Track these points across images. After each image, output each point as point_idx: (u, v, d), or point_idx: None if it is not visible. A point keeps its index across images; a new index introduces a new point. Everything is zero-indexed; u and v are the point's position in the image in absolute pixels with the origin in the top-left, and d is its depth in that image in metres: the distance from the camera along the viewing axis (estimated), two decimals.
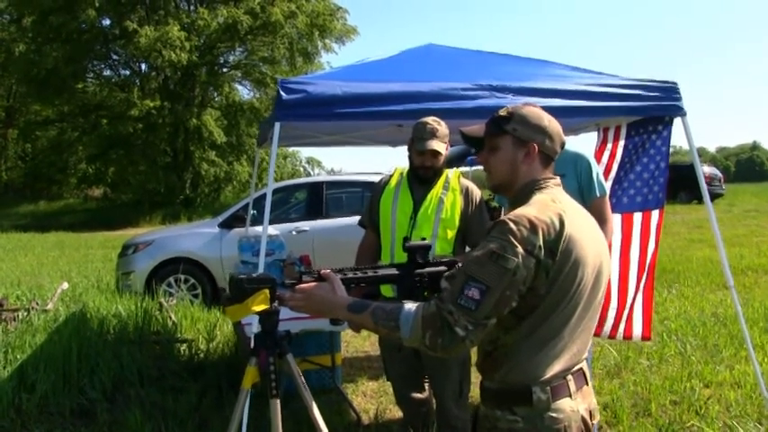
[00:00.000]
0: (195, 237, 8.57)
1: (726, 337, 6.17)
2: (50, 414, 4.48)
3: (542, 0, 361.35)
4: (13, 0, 29.31)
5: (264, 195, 8.45)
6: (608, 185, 4.14)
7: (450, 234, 3.41)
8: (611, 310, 4.23)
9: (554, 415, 1.76)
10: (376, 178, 9.28)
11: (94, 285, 9.41)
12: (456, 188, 3.48)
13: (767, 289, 8.81)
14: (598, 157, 4.49)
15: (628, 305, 4.25)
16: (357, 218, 8.96)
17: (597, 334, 4.20)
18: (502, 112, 1.94)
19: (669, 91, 4.37)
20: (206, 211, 25.05)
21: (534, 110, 1.93)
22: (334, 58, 49.90)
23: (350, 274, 1.93)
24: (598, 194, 3.50)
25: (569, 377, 1.81)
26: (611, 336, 4.30)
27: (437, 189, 3.46)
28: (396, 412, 4.77)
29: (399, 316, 1.72)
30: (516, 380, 1.78)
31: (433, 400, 3.64)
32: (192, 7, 30.71)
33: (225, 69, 32.39)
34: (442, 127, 3.39)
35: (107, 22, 29.49)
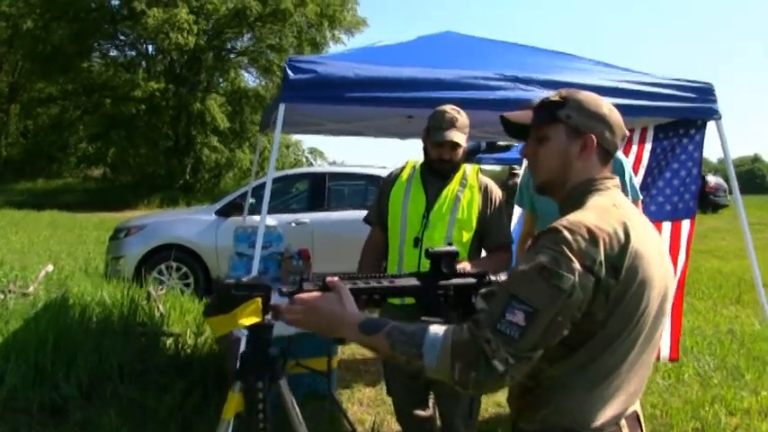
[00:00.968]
0: (190, 223, 8.23)
1: (746, 357, 5.84)
2: (17, 410, 4.11)
3: None
4: None
5: (264, 184, 8.23)
6: None
7: (467, 236, 3.07)
8: None
9: None
10: (381, 172, 9.12)
11: (82, 269, 9.04)
12: (474, 185, 3.13)
13: None
14: None
15: None
16: (360, 212, 8.68)
17: None
18: (554, 97, 1.64)
19: (704, 92, 4.09)
20: (205, 197, 24.77)
21: (592, 95, 1.64)
22: (343, 49, 49.47)
23: (361, 284, 1.58)
24: (631, 199, 3.15)
25: (623, 422, 1.51)
26: None
27: (453, 185, 3.11)
28: (394, 424, 4.45)
29: (423, 341, 1.41)
30: (561, 424, 1.48)
31: (437, 419, 3.31)
32: None
33: (232, 55, 32.04)
34: (462, 116, 3.04)
35: (116, 1, 29.09)
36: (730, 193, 30.69)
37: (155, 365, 4.86)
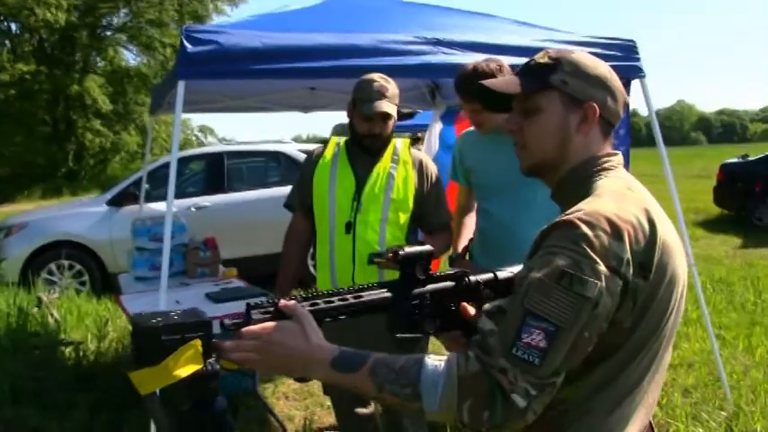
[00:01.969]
0: (79, 216, 7.56)
1: None
2: None
3: None
4: None
5: (158, 169, 7.72)
6: None
7: (404, 218, 2.79)
8: None
9: None
10: (283, 148, 8.75)
11: None
12: (408, 161, 2.85)
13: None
14: None
15: None
16: (263, 192, 8.28)
17: None
18: (541, 58, 1.33)
19: (627, 50, 3.96)
20: (91, 184, 23.46)
21: (586, 55, 1.35)
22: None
23: (322, 304, 1.25)
24: None
25: None
26: None
27: (385, 162, 2.82)
28: (326, 418, 4.18)
29: (419, 379, 1.12)
30: None
31: (378, 417, 3.06)
32: None
33: (108, 32, 30.36)
34: (391, 85, 2.75)
35: None
36: None
37: (53, 382, 4.33)
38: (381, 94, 2.69)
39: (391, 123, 2.77)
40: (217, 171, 8.13)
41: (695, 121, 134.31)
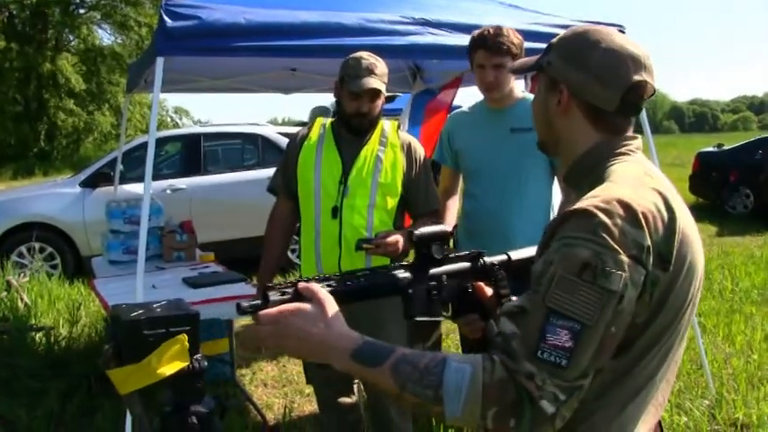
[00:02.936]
0: (51, 198, 7.35)
1: None
2: None
3: None
4: None
5: (133, 149, 7.55)
6: None
7: (392, 203, 2.70)
8: None
9: None
10: (261, 130, 8.59)
11: None
12: (396, 143, 2.75)
13: None
14: None
15: None
16: (240, 174, 8.14)
17: None
18: (555, 39, 1.31)
19: None
20: (64, 165, 23.04)
21: (593, 35, 1.25)
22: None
23: (336, 284, 1.21)
24: None
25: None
26: None
27: (372, 145, 2.72)
28: (306, 406, 4.11)
29: (442, 382, 1.05)
30: None
31: (361, 407, 3.00)
32: None
33: (82, 10, 29.69)
34: (380, 64, 2.65)
35: None
36: None
37: (23, 368, 4.18)
38: (370, 71, 2.59)
39: (380, 103, 2.67)
40: (193, 153, 7.96)
41: (668, 110, 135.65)
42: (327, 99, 10.48)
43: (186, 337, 0.96)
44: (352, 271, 1.27)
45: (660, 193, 1.15)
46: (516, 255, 1.42)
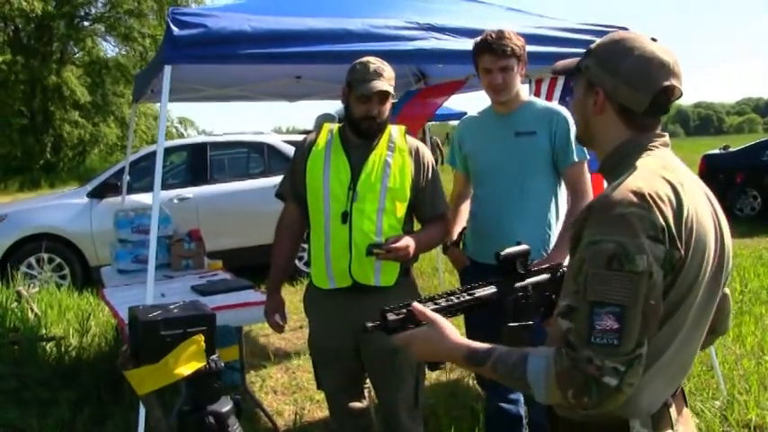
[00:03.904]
0: (59, 209, 7.37)
1: None
2: None
3: None
4: None
5: (140, 160, 7.58)
6: None
7: (401, 207, 2.70)
8: None
9: None
10: (267, 138, 8.62)
11: None
12: (404, 148, 2.75)
13: None
14: None
15: None
16: (246, 183, 8.17)
17: None
18: (593, 45, 1.50)
19: None
20: (70, 177, 23.11)
21: (627, 42, 1.41)
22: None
23: (442, 303, 1.50)
24: (576, 159, 2.88)
25: (670, 401, 1.41)
26: None
27: (380, 150, 2.72)
28: (316, 412, 4.11)
29: (527, 374, 1.30)
30: (611, 411, 1.31)
31: (372, 411, 2.99)
32: None
33: (86, 23, 29.80)
34: (387, 68, 2.66)
35: None
36: None
37: (34, 378, 4.19)
38: (378, 75, 2.60)
39: (388, 106, 2.68)
40: (200, 162, 7.99)
41: (673, 113, 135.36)
42: (332, 106, 10.53)
43: (203, 337, 0.96)
44: (451, 291, 1.53)
45: (670, 182, 1.29)
46: None
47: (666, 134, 1.43)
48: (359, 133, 2.69)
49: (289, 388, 4.55)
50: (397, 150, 2.73)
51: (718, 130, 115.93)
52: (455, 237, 3.06)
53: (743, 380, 4.16)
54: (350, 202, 2.64)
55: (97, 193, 7.34)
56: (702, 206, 1.36)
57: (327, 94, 5.80)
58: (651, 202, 1.24)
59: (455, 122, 3.20)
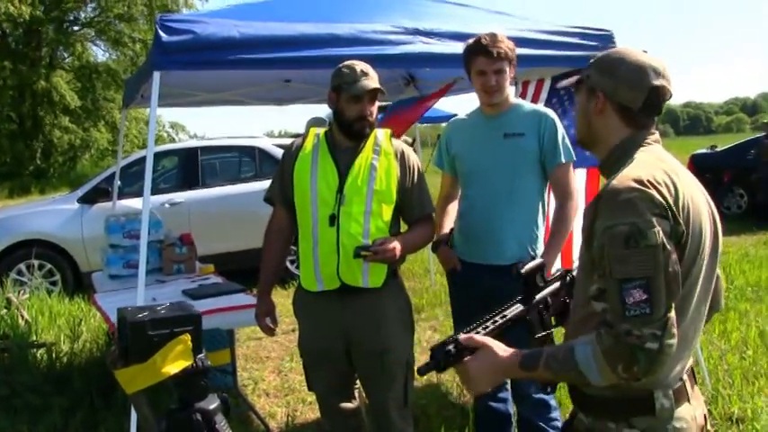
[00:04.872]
0: (50, 214, 7.37)
1: None
2: None
3: None
4: None
5: (131, 165, 7.57)
6: None
7: (387, 209, 2.73)
8: None
9: (678, 425, 1.52)
10: (257, 142, 8.63)
11: None
12: (389, 151, 2.79)
13: None
14: None
15: None
16: (237, 187, 8.17)
17: None
18: (594, 58, 1.70)
19: (604, 40, 3.99)
20: (61, 183, 22.97)
21: (621, 53, 1.63)
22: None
23: (481, 330, 1.65)
24: (563, 160, 2.93)
25: (685, 376, 1.57)
26: None
27: (366, 153, 2.76)
28: (308, 413, 4.14)
29: (577, 363, 1.44)
30: (632, 384, 1.47)
31: (363, 410, 3.03)
32: None
33: (76, 27, 29.64)
34: (371, 69, 2.72)
35: None
36: None
37: (25, 385, 4.18)
38: (366, 74, 2.66)
39: (376, 106, 2.73)
40: (191, 166, 7.99)
41: (663, 113, 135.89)
42: (323, 110, 10.52)
43: (189, 336, 0.99)
44: (485, 318, 1.67)
45: (665, 171, 1.48)
46: None
47: (657, 132, 1.61)
48: (351, 135, 2.72)
49: (281, 390, 4.57)
50: (383, 153, 2.76)
51: (707, 130, 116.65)
52: (445, 231, 3.11)
53: (727, 375, 4.22)
54: (337, 205, 2.67)
55: (88, 199, 7.33)
56: (696, 192, 1.53)
57: (317, 98, 5.83)
58: (651, 185, 1.41)
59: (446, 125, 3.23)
